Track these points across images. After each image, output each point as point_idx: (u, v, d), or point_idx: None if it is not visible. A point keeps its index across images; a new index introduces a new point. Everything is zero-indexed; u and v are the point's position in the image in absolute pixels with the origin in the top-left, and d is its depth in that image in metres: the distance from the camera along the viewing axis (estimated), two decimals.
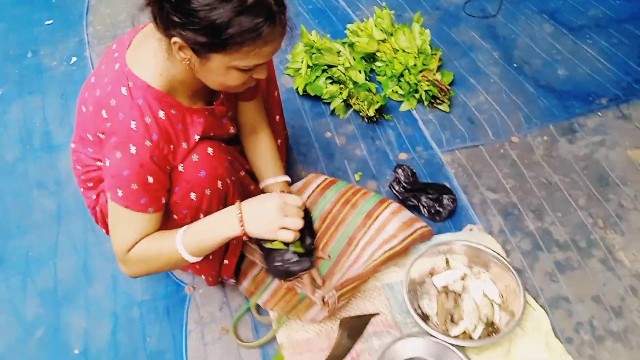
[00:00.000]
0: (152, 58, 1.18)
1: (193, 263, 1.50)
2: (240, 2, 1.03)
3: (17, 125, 2.15)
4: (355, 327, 1.23)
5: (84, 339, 1.54)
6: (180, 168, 1.26)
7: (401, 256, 1.63)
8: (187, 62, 1.14)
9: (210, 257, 1.48)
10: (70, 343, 1.53)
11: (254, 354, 1.50)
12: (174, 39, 1.09)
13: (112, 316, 1.58)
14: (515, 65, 2.27)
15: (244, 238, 1.27)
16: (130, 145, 1.15)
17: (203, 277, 1.59)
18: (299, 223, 1.27)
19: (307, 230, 1.41)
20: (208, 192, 1.31)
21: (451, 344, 1.43)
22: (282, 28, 1.12)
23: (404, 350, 1.45)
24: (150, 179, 1.19)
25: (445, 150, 1.98)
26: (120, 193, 1.19)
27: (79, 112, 1.31)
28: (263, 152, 1.55)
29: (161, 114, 1.19)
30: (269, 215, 1.25)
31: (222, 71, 1.14)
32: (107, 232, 1.45)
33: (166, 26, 1.09)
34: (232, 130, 1.44)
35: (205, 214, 1.34)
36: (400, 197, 1.80)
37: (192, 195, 1.29)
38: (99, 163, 1.32)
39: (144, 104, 1.17)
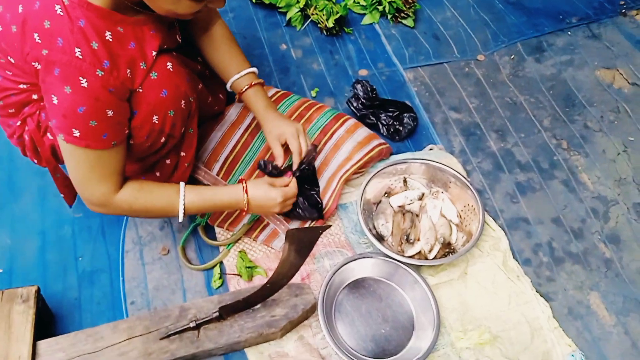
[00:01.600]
0: None
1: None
2: None
3: None
4: (303, 242, 1.14)
5: (8, 257, 1.40)
6: (139, 89, 1.10)
7: (357, 175, 1.53)
8: None
9: (153, 179, 1.35)
10: None
11: (196, 275, 1.40)
12: None
13: (40, 234, 1.44)
14: None
15: None
16: (80, 77, 0.98)
17: None
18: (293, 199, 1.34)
19: (311, 182, 1.41)
20: (171, 113, 1.17)
21: (405, 264, 1.36)
22: None
23: (355, 271, 1.38)
24: (110, 112, 1.03)
25: (408, 67, 1.86)
26: (77, 133, 1.02)
27: None
28: (220, 48, 1.39)
29: (108, 35, 1.02)
30: (272, 208, 1.29)
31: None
32: (39, 163, 1.31)
33: None
34: (178, 38, 1.26)
35: (167, 137, 1.21)
36: (358, 114, 1.67)
37: (155, 118, 1.14)
38: (22, 86, 1.13)
39: (86, 26, 0.98)
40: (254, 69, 1.40)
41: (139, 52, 1.08)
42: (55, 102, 1.01)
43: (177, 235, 1.46)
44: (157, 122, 1.15)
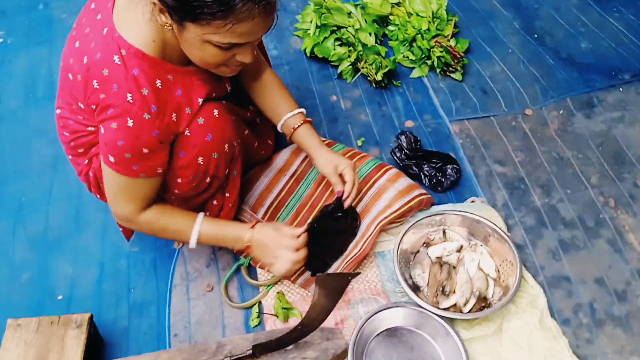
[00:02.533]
0: (143, 23, 1.11)
1: None
2: None
3: (22, 75, 2.13)
4: (332, 286, 1.18)
5: (68, 285, 1.53)
6: (187, 132, 1.22)
7: (396, 224, 1.57)
8: (169, 28, 1.08)
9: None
10: (55, 288, 1.52)
11: (236, 313, 1.47)
12: (153, 0, 1.04)
13: (98, 265, 1.56)
14: (536, 35, 2.16)
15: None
16: (127, 118, 1.10)
17: None
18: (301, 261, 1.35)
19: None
20: (215, 155, 1.27)
21: (439, 316, 1.37)
22: (264, 10, 1.04)
23: (388, 319, 1.40)
24: (145, 150, 1.15)
25: (454, 120, 1.90)
26: (112, 159, 1.16)
27: (64, 79, 1.23)
28: (271, 92, 1.48)
29: (158, 82, 1.14)
30: (276, 250, 1.32)
31: (198, 44, 1.08)
32: (101, 198, 1.45)
33: None
34: (228, 87, 1.38)
35: (212, 178, 1.32)
36: (401, 165, 1.73)
37: (200, 160, 1.25)
38: (90, 128, 1.27)
39: (139, 74, 1.10)
40: (303, 110, 1.48)
41: (185, 98, 1.20)
42: (102, 132, 1.15)
43: (221, 273, 1.54)
44: (202, 163, 1.25)
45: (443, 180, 1.69)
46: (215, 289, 1.52)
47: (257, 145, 1.53)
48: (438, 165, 1.71)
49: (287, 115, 1.45)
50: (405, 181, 1.62)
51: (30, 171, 1.79)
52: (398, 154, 1.74)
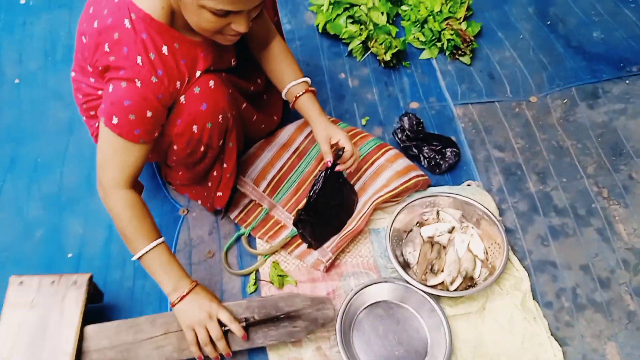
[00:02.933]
0: None
1: (190, 188, 1.60)
2: None
3: (42, 37, 2.19)
4: None
5: (78, 244, 1.62)
6: (182, 100, 1.27)
7: (392, 203, 1.63)
8: None
9: (205, 188, 1.55)
10: (66, 247, 1.61)
11: (234, 279, 1.55)
12: None
13: (107, 228, 1.65)
14: (549, 22, 2.16)
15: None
16: (136, 79, 1.16)
17: (199, 202, 1.64)
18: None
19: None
20: (209, 125, 1.33)
21: (426, 293, 1.44)
22: None
23: (377, 293, 1.48)
24: (149, 114, 1.21)
25: (459, 103, 1.93)
26: (115, 120, 1.20)
27: (79, 42, 1.29)
28: (278, 60, 1.52)
29: (164, 49, 1.19)
30: (197, 315, 1.26)
31: (194, 9, 1.12)
32: None
33: None
34: (233, 62, 1.43)
35: (206, 147, 1.38)
36: (401, 146, 1.78)
37: (194, 128, 1.31)
38: (100, 92, 1.33)
39: (147, 39, 1.16)
40: (307, 79, 1.51)
41: (188, 68, 1.26)
42: (110, 90, 1.19)
43: (222, 241, 1.62)
44: (196, 131, 1.32)
45: (441, 162, 1.74)
46: (215, 256, 1.60)
47: (256, 119, 1.58)
48: (438, 147, 1.75)
49: (291, 84, 1.49)
50: (403, 162, 1.67)
51: (46, 133, 1.87)
52: (399, 135, 1.78)
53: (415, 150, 1.76)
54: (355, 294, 1.45)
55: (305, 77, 1.51)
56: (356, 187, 1.63)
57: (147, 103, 1.20)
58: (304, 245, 1.55)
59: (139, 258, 1.27)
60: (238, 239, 1.61)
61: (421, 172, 1.68)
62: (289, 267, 1.55)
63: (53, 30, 2.22)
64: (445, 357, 1.36)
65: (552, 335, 1.42)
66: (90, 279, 1.37)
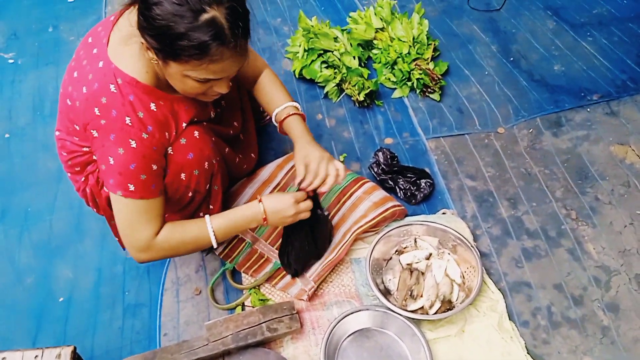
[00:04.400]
0: (137, 56, 1.24)
1: None
2: (193, 19, 1.10)
3: (31, 93, 2.29)
4: None
5: (69, 288, 1.67)
6: (170, 151, 1.35)
7: (371, 233, 1.70)
8: (156, 63, 1.22)
9: None
10: (56, 292, 1.66)
11: (221, 314, 1.60)
12: (142, 39, 1.18)
13: (96, 270, 1.70)
14: (512, 58, 2.30)
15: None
16: (129, 139, 1.23)
17: None
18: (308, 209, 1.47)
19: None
20: (196, 172, 1.41)
21: (407, 318, 1.49)
22: (236, 52, 1.18)
23: (360, 321, 1.53)
24: (154, 167, 1.29)
25: (431, 137, 2.03)
26: (132, 187, 1.25)
27: (63, 104, 1.36)
28: (267, 89, 1.59)
29: (152, 105, 1.27)
30: (288, 210, 1.42)
31: (179, 77, 1.21)
32: (97, 212, 1.56)
33: (138, 26, 1.18)
34: (212, 114, 1.52)
35: (194, 192, 1.45)
36: (377, 179, 1.86)
37: (182, 176, 1.39)
38: (85, 149, 1.40)
39: (135, 99, 1.24)
40: (296, 103, 1.57)
41: (173, 121, 1.34)
42: (112, 162, 1.25)
43: (209, 278, 1.67)
44: (184, 179, 1.39)
45: (417, 193, 1.82)
46: (202, 292, 1.65)
47: (238, 161, 1.67)
48: (413, 179, 1.84)
49: (279, 108, 1.55)
50: (380, 193, 1.75)
51: (36, 183, 1.94)
52: (375, 169, 1.87)
53: (391, 182, 1.84)
54: (337, 323, 1.50)
55: (291, 101, 1.57)
56: (335, 219, 1.70)
57: (149, 158, 1.27)
58: (288, 278, 1.61)
59: (217, 241, 1.40)
60: (224, 274, 1.67)
61: (397, 203, 1.76)
62: (274, 299, 1.60)
63: (41, 87, 2.33)
64: None
65: (528, 353, 1.48)
66: (74, 352, 1.34)
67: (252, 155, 1.79)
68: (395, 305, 1.52)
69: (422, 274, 1.62)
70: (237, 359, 1.44)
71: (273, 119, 1.58)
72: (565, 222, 1.76)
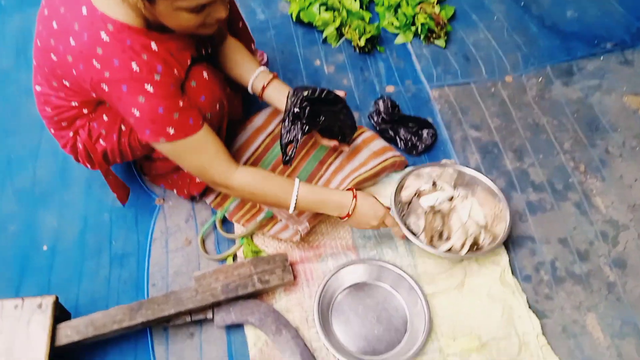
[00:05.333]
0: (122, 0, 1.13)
1: (166, 178, 1.57)
2: None
3: (15, 35, 2.17)
4: None
5: (53, 237, 1.60)
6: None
7: (369, 183, 1.63)
8: (142, 5, 1.10)
9: (181, 177, 1.55)
10: (40, 240, 1.59)
11: (212, 265, 1.54)
12: None
13: (82, 219, 1.63)
14: (522, 3, 2.17)
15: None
16: (144, 85, 1.13)
17: (175, 190, 1.62)
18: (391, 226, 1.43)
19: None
20: (209, 115, 1.32)
21: (403, 271, 1.43)
22: None
23: (353, 274, 1.47)
24: (181, 103, 1.19)
25: (435, 86, 1.93)
26: (171, 130, 1.18)
27: (45, 58, 1.22)
28: (235, 57, 1.50)
29: (153, 45, 1.17)
30: (371, 220, 1.39)
31: (171, 14, 1.11)
32: (92, 168, 1.47)
33: None
34: (209, 49, 1.41)
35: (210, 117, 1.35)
36: (377, 128, 1.77)
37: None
38: (73, 104, 1.31)
39: (133, 43, 1.13)
40: (263, 68, 1.48)
41: (176, 60, 1.23)
42: (138, 114, 1.16)
43: (199, 228, 1.60)
44: None
45: (418, 144, 1.73)
46: (193, 242, 1.58)
47: (236, 102, 1.58)
48: (414, 129, 1.75)
49: (252, 77, 1.46)
50: (380, 143, 1.66)
51: (20, 129, 1.85)
52: (375, 118, 1.78)
53: (391, 132, 1.75)
54: (332, 276, 1.45)
55: (260, 67, 1.48)
56: (332, 167, 1.62)
57: (172, 96, 1.18)
58: (280, 224, 1.54)
59: (297, 207, 1.34)
60: (215, 224, 1.60)
61: (398, 153, 1.68)
62: (267, 250, 1.54)
63: (25, 29, 2.20)
64: (424, 332, 1.35)
65: (530, 308, 1.42)
66: (56, 302, 1.31)
67: (236, 102, 1.69)
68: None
69: (447, 215, 1.55)
70: (226, 311, 1.38)
71: (250, 89, 1.49)
72: (573, 175, 1.68)
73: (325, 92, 1.37)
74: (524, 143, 1.77)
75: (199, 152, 1.25)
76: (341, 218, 1.39)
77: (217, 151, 1.27)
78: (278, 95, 1.46)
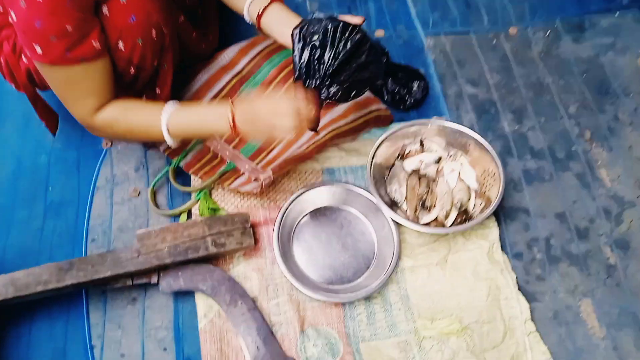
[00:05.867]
0: None
1: None
2: None
3: None
4: None
5: None
6: (105, 11, 1.04)
7: (347, 138, 1.43)
8: None
9: None
10: None
11: (162, 221, 1.34)
12: None
13: (15, 159, 1.41)
14: None
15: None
16: None
17: None
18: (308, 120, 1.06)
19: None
20: (140, 41, 1.09)
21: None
22: None
23: (317, 199, 1.35)
24: (69, 28, 0.97)
25: (430, 33, 1.71)
26: (38, 49, 0.99)
27: None
28: None
29: None
30: (280, 121, 1.03)
31: None
32: (17, 88, 1.27)
33: None
34: None
35: (137, 69, 1.14)
36: None
37: (121, 45, 1.08)
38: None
39: None
40: None
41: None
42: (15, 18, 0.97)
43: (151, 178, 1.40)
44: (123, 49, 1.08)
45: (407, 97, 1.52)
46: (142, 195, 1.37)
47: (195, 36, 1.34)
48: (403, 81, 1.53)
49: (248, 1, 1.19)
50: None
51: None
52: None
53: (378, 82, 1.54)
54: (292, 202, 1.31)
55: None
56: None
57: (60, 16, 0.96)
58: (243, 177, 1.34)
59: (172, 134, 1.13)
60: (169, 175, 1.39)
61: (383, 106, 1.48)
62: (227, 208, 1.34)
63: None
64: (393, 257, 1.24)
65: (520, 290, 1.25)
66: None
67: (210, 37, 1.46)
68: (406, 218, 1.26)
69: (433, 181, 1.37)
70: (174, 275, 1.20)
71: (245, 15, 1.22)
72: (577, 143, 1.50)
73: (348, 31, 1.05)
74: (525, 104, 1.57)
75: (65, 85, 1.08)
76: (233, 132, 1.09)
77: (90, 93, 1.09)
78: (279, 26, 1.16)
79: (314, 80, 1.05)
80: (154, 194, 1.37)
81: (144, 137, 1.21)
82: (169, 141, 1.14)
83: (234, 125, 1.08)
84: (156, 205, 1.36)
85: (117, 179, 1.40)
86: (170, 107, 1.12)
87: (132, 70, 1.15)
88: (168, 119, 1.11)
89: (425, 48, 1.68)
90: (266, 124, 1.06)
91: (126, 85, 1.19)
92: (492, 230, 1.32)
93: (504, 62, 1.66)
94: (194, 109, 1.17)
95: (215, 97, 1.40)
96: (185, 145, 1.38)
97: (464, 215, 1.32)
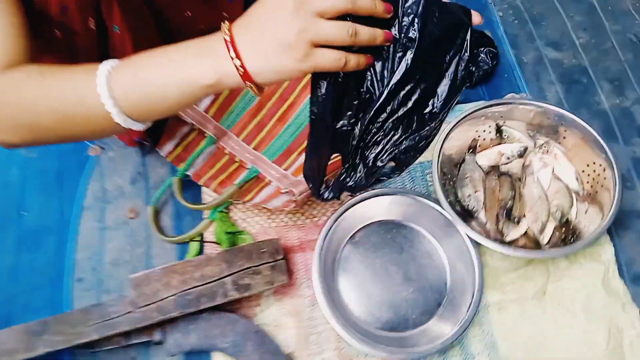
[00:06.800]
0: None
1: None
2: None
3: None
4: None
5: None
6: None
7: None
8: None
9: None
10: None
11: (168, 250, 1.04)
12: None
13: None
14: None
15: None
16: None
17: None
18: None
19: None
20: None
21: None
22: None
23: (368, 213, 1.02)
24: None
25: None
26: None
27: None
28: None
29: None
30: (287, 26, 0.61)
31: None
32: None
33: None
34: None
35: (63, 29, 0.80)
36: None
37: None
38: None
39: None
40: None
41: None
42: None
43: (152, 193, 1.09)
44: (36, 2, 0.75)
45: (473, 69, 1.19)
46: (141, 215, 1.07)
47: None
48: None
49: None
50: None
51: None
52: None
53: None
54: (336, 220, 0.99)
55: None
56: None
57: None
58: (270, 188, 1.03)
59: (120, 106, 0.67)
60: (170, 188, 1.08)
61: None
62: (252, 229, 1.03)
63: None
64: (475, 291, 0.92)
65: None
66: None
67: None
68: (485, 235, 0.93)
69: (519, 180, 1.04)
70: (184, 330, 0.90)
71: None
72: None
73: None
74: (624, 69, 1.22)
75: None
76: (240, 70, 0.63)
77: None
78: None
79: None
80: (156, 214, 1.07)
81: (78, 119, 0.70)
82: (123, 120, 0.69)
83: (235, 47, 0.63)
84: (159, 229, 1.05)
85: (109, 196, 1.09)
86: (111, 62, 0.69)
87: (57, 31, 0.80)
88: (108, 77, 0.67)
89: (489, 2, 1.33)
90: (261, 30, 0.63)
91: (62, 58, 0.84)
92: (605, 248, 0.98)
93: (591, 15, 1.30)
94: (156, 52, 0.69)
95: None
96: (192, 147, 1.07)
97: (564, 228, 0.98)
